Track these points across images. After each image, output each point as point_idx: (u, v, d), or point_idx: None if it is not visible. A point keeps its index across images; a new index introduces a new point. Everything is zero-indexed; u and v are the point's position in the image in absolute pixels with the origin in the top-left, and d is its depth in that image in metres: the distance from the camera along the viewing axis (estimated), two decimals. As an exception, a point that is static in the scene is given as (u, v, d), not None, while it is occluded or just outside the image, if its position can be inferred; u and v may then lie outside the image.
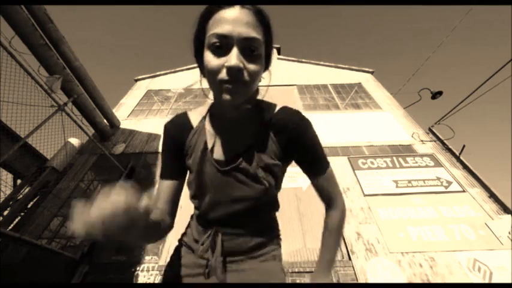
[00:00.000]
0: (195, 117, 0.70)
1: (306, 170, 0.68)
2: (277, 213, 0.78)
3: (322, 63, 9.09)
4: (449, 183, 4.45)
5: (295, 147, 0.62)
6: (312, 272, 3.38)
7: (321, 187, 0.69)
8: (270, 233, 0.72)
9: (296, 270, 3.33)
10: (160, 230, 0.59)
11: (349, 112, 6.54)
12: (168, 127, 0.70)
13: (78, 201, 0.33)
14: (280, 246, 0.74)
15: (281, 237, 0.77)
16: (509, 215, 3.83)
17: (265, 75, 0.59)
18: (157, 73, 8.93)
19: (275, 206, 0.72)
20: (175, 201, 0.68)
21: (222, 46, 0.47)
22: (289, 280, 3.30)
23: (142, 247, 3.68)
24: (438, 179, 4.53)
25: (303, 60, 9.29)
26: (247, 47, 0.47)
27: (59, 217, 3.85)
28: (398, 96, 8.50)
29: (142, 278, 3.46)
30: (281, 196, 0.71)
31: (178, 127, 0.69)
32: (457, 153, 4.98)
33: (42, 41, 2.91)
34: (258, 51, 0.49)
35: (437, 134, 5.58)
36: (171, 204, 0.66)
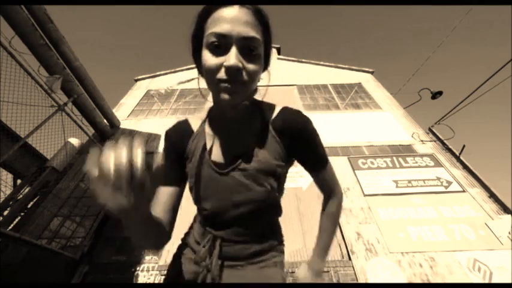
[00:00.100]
0: (195, 122, 0.69)
1: (309, 167, 0.68)
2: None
3: (322, 63, 9.09)
4: (449, 183, 4.45)
5: (299, 147, 0.62)
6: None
7: (322, 181, 0.71)
8: (272, 239, 0.70)
9: (296, 270, 3.34)
10: (160, 233, 0.57)
11: (349, 112, 6.54)
12: (169, 134, 0.69)
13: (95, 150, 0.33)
14: (283, 253, 0.72)
15: (284, 243, 0.76)
16: (509, 215, 3.83)
17: (264, 75, 0.58)
18: (157, 73, 8.93)
19: (277, 210, 0.70)
20: (174, 210, 0.64)
21: (221, 45, 0.46)
22: (289, 280, 3.30)
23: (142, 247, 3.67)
24: (438, 179, 4.53)
25: (303, 60, 9.29)
26: (246, 47, 0.47)
27: (59, 217, 3.85)
28: (398, 96, 8.50)
29: (142, 278, 3.46)
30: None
31: (179, 133, 0.68)
32: (457, 153, 4.98)
33: (42, 41, 2.91)
34: (257, 51, 0.48)
35: (437, 134, 5.58)
36: (170, 214, 0.63)
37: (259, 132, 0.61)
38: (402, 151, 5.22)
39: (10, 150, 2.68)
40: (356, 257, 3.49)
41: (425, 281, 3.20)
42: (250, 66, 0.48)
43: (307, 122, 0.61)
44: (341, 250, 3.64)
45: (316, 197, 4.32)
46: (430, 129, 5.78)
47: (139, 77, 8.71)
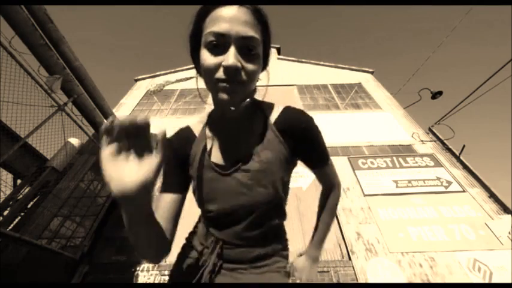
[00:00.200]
0: (197, 127, 0.69)
1: (312, 164, 0.68)
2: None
3: (322, 63, 9.10)
4: (449, 183, 4.45)
5: (303, 146, 0.61)
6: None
7: (324, 176, 0.72)
8: (276, 244, 0.68)
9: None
10: (162, 240, 0.54)
11: (349, 112, 6.54)
12: (170, 140, 0.67)
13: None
14: (286, 259, 0.71)
15: (289, 247, 0.75)
16: (509, 215, 3.83)
17: (263, 75, 0.57)
18: (157, 73, 8.93)
19: (281, 213, 0.68)
20: (175, 219, 0.60)
21: (219, 45, 0.46)
22: (289, 280, 3.30)
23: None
24: (438, 179, 4.53)
25: (303, 60, 9.30)
26: (245, 46, 0.46)
27: (59, 217, 3.85)
28: (398, 96, 8.50)
29: (142, 278, 3.46)
30: (281, 196, 0.70)
31: (182, 140, 0.67)
32: (457, 153, 4.98)
33: (42, 41, 2.91)
34: (256, 51, 0.48)
35: (437, 134, 5.58)
36: (172, 223, 0.59)
37: (261, 132, 0.61)
38: (402, 151, 5.23)
39: (10, 150, 2.68)
40: (356, 257, 3.49)
41: (425, 281, 3.20)
42: (249, 66, 0.47)
43: (310, 120, 0.61)
44: (341, 250, 3.64)
45: (316, 197, 4.31)
46: (430, 129, 5.78)
47: (139, 77, 8.72)
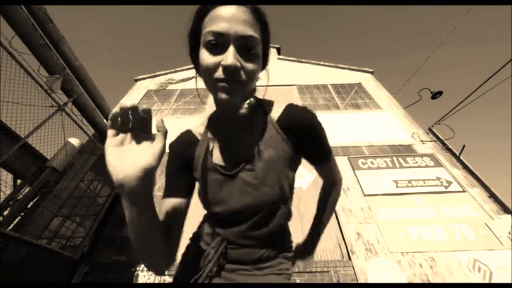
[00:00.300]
0: (198, 129, 0.68)
1: (315, 160, 0.68)
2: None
3: (322, 63, 9.09)
4: (449, 183, 4.45)
5: (307, 143, 0.61)
6: (310, 270, 3.38)
7: (326, 172, 0.73)
8: (280, 245, 0.68)
9: (296, 270, 3.33)
10: (165, 245, 0.51)
11: (349, 112, 6.54)
12: (172, 145, 0.67)
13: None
14: (290, 260, 0.70)
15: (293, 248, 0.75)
16: (509, 215, 3.83)
17: (262, 75, 0.57)
18: (157, 73, 8.93)
19: (286, 213, 0.67)
20: (179, 226, 0.58)
21: (218, 44, 0.45)
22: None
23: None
24: (438, 179, 4.53)
25: (303, 60, 9.29)
26: (244, 46, 0.46)
27: (59, 217, 3.85)
28: (398, 96, 8.50)
29: (142, 278, 3.46)
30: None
31: (184, 144, 0.66)
32: (457, 153, 4.98)
33: (42, 41, 2.91)
34: (255, 50, 0.48)
35: (437, 134, 5.58)
36: (176, 230, 0.57)
37: (262, 130, 0.60)
38: (402, 151, 5.22)
39: (10, 150, 2.68)
40: (356, 257, 3.49)
41: (425, 281, 3.20)
42: (248, 65, 0.47)
43: (314, 118, 0.60)
44: (341, 250, 3.64)
45: (316, 197, 4.31)
46: (430, 129, 5.78)
47: (139, 77, 8.71)
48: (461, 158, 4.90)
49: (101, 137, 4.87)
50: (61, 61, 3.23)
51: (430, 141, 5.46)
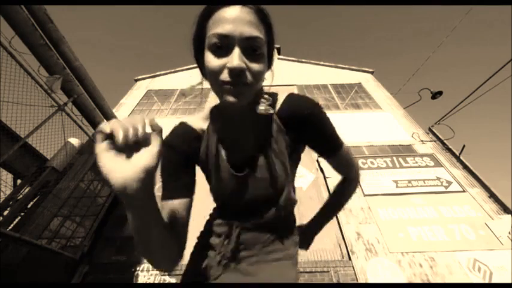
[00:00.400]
0: (198, 123, 0.65)
1: (321, 152, 0.66)
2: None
3: (322, 63, 9.10)
4: (449, 183, 4.45)
5: (308, 134, 0.60)
6: (310, 270, 3.38)
7: (337, 165, 0.70)
8: (287, 228, 0.70)
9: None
10: (172, 243, 0.50)
11: (349, 112, 6.54)
12: (169, 140, 0.62)
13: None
14: (296, 245, 0.71)
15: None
16: (509, 215, 3.83)
17: (267, 75, 0.57)
18: (157, 73, 8.93)
19: (292, 200, 0.69)
20: (184, 225, 0.56)
21: (223, 46, 0.45)
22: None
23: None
24: (438, 179, 4.53)
25: (303, 60, 9.30)
26: (249, 47, 0.46)
27: (59, 217, 3.85)
28: (398, 96, 8.50)
29: (142, 278, 3.46)
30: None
31: (184, 139, 0.62)
32: (457, 153, 4.98)
33: (42, 41, 2.90)
34: (260, 51, 0.47)
35: (437, 134, 5.58)
36: (181, 229, 0.55)
37: (266, 123, 0.60)
38: (402, 151, 5.23)
39: (10, 150, 2.68)
40: (356, 257, 3.49)
41: (425, 281, 3.20)
42: (254, 66, 0.47)
43: (315, 107, 0.59)
44: (341, 250, 3.64)
45: (316, 197, 4.31)
46: (430, 129, 5.78)
47: (139, 77, 8.72)
48: (461, 158, 4.90)
49: (101, 137, 4.87)
50: (61, 61, 3.22)
51: (430, 141, 5.47)
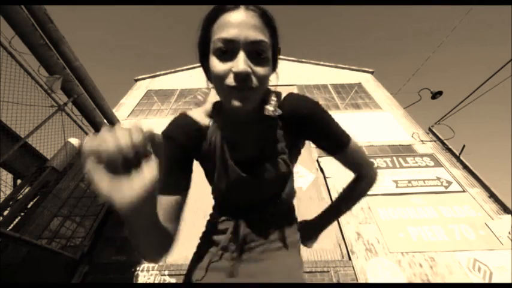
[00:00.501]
0: (201, 116, 0.63)
1: (327, 150, 0.65)
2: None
3: (322, 63, 9.10)
4: (449, 183, 4.45)
5: (310, 133, 0.62)
6: (310, 270, 3.38)
7: (346, 163, 0.69)
8: (288, 218, 0.74)
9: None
10: (165, 241, 0.51)
11: (349, 112, 6.54)
12: (169, 132, 0.59)
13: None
14: (296, 233, 0.74)
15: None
16: (509, 215, 3.83)
17: (272, 78, 0.57)
18: (157, 73, 8.93)
19: (292, 192, 0.74)
20: (177, 219, 0.56)
21: (228, 51, 0.46)
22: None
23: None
24: (438, 179, 4.53)
25: (303, 60, 9.30)
26: (254, 51, 0.46)
27: (59, 217, 3.84)
28: (398, 96, 8.50)
29: (142, 278, 3.46)
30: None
31: (183, 129, 0.60)
32: (457, 153, 4.98)
33: (42, 41, 2.90)
34: (265, 54, 0.48)
35: (437, 134, 5.58)
36: (174, 223, 0.55)
37: (268, 122, 0.61)
38: (402, 151, 5.23)
39: (10, 150, 2.68)
40: (356, 257, 3.49)
41: (425, 281, 3.20)
42: (259, 70, 0.47)
43: (314, 106, 0.59)
44: (341, 250, 3.64)
45: (316, 197, 4.31)
46: (430, 129, 5.78)
47: (139, 77, 8.72)
48: (461, 158, 4.90)
49: (101, 137, 4.87)
50: (61, 61, 3.22)
51: (430, 141, 5.47)
